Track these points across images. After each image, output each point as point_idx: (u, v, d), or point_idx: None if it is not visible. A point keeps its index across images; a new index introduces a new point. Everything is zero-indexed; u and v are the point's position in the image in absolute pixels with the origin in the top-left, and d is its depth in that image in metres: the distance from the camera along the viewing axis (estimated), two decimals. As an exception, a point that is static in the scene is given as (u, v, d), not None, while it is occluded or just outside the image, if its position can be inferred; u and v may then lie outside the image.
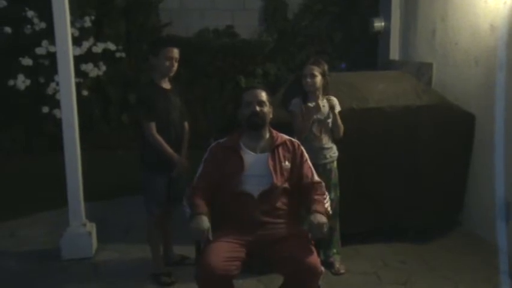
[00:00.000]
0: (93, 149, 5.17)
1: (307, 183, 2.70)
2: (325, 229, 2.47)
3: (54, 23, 3.53)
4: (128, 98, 6.33)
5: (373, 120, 3.78)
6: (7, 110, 6.16)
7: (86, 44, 6.06)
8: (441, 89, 4.48)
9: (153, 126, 3.22)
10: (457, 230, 4.17)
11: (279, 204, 2.65)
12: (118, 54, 6.34)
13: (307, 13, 7.03)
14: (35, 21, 5.92)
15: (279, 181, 2.65)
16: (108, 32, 6.32)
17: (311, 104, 3.28)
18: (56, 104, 5.67)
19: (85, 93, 6.08)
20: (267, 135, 2.79)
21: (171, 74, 3.34)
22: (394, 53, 5.71)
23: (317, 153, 3.31)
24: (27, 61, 5.94)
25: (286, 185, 2.67)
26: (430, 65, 4.80)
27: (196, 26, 6.95)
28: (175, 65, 3.30)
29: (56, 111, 5.87)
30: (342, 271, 3.48)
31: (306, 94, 3.39)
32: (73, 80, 3.66)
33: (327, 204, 2.62)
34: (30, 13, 5.90)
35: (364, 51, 6.49)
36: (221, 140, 2.81)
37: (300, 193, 2.70)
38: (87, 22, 6.08)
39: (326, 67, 3.41)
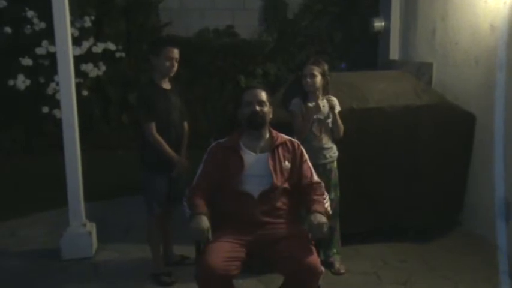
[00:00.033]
0: (93, 149, 5.17)
1: (307, 183, 2.70)
2: (325, 229, 2.47)
3: (54, 23, 3.52)
4: (128, 98, 6.33)
5: (373, 120, 3.78)
6: (7, 110, 6.17)
7: (85, 44, 6.06)
8: (441, 88, 4.48)
9: (153, 126, 3.22)
10: (457, 230, 4.17)
11: (279, 204, 2.65)
12: (118, 54, 6.34)
13: (307, 13, 7.03)
14: (35, 21, 5.92)
15: (279, 181, 2.65)
16: (108, 32, 6.32)
17: (311, 104, 3.28)
18: (56, 104, 5.67)
19: (85, 93, 6.08)
20: (267, 135, 2.79)
21: (172, 74, 3.34)
22: (394, 53, 5.71)
23: (317, 153, 3.31)
24: (27, 61, 5.95)
25: (286, 185, 2.67)
26: (430, 65, 4.80)
27: (196, 25, 6.95)
28: (176, 65, 3.30)
29: (56, 111, 5.87)
30: (342, 271, 3.48)
31: (306, 94, 3.39)
32: (73, 80, 3.66)
33: (327, 205, 2.62)
34: (30, 13, 5.90)
35: (364, 51, 6.48)
36: (221, 140, 2.81)
37: (300, 193, 2.70)
38: (87, 22, 6.08)
39: (326, 67, 3.41)
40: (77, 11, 5.75)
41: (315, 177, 2.76)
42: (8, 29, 5.93)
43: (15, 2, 5.92)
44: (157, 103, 3.24)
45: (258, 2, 7.16)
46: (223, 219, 2.63)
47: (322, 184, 2.75)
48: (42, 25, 5.90)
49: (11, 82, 5.96)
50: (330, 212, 2.63)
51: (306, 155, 2.79)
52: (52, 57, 5.14)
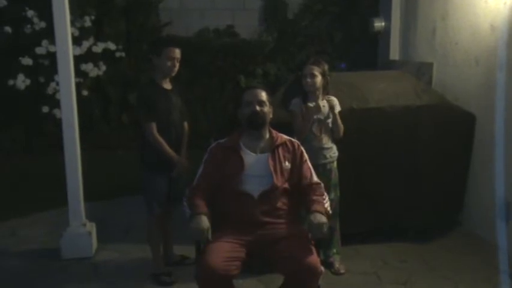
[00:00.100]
0: (93, 149, 5.17)
1: (306, 184, 2.70)
2: (325, 229, 2.47)
3: (54, 23, 3.52)
4: (128, 98, 6.33)
5: (373, 120, 3.78)
6: (7, 110, 6.16)
7: (86, 44, 6.06)
8: (441, 88, 4.48)
9: (153, 126, 3.22)
10: (457, 230, 4.17)
11: (279, 204, 2.65)
12: (118, 54, 6.34)
13: (307, 13, 7.02)
14: (35, 21, 5.91)
15: (279, 181, 2.65)
16: (108, 32, 6.32)
17: (311, 104, 3.28)
18: (56, 104, 5.67)
19: (85, 93, 6.08)
20: (267, 135, 2.79)
21: (173, 74, 3.34)
22: (394, 53, 5.71)
23: (317, 153, 3.31)
24: (27, 61, 5.94)
25: (286, 185, 2.67)
26: (430, 65, 4.80)
27: (196, 25, 6.95)
28: (177, 65, 3.30)
29: (56, 111, 5.87)
30: (342, 271, 3.48)
31: (306, 94, 3.39)
32: (73, 80, 3.66)
33: (327, 205, 2.62)
34: (30, 13, 5.89)
35: (364, 51, 6.48)
36: (221, 141, 2.81)
37: (299, 194, 2.70)
38: (87, 22, 6.08)
39: (326, 67, 3.41)
40: (77, 11, 5.75)
41: (315, 178, 2.76)
42: (8, 29, 5.93)
43: (15, 2, 5.92)
44: (157, 103, 3.24)
45: (258, 2, 7.15)
46: (223, 219, 2.63)
47: (322, 185, 2.75)
48: (42, 25, 5.90)
49: (11, 82, 5.96)
50: (330, 212, 2.63)
51: (306, 155, 2.79)
52: (52, 56, 5.14)
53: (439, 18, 4.69)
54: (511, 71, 3.67)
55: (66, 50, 3.58)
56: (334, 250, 3.55)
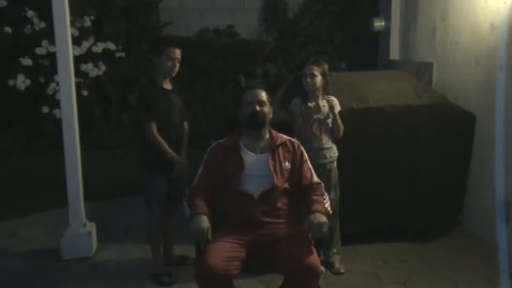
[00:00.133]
0: (93, 149, 5.17)
1: (307, 184, 2.70)
2: (325, 229, 2.47)
3: (54, 23, 3.52)
4: (128, 98, 6.33)
5: (373, 120, 3.78)
6: (7, 110, 6.16)
7: (85, 44, 6.06)
8: (441, 88, 4.48)
9: (153, 126, 3.22)
10: (457, 230, 4.17)
11: (279, 204, 2.65)
12: (118, 54, 6.34)
13: (307, 13, 7.02)
14: (35, 21, 5.92)
15: (279, 181, 2.65)
16: (108, 32, 6.32)
17: (311, 104, 3.28)
18: (56, 104, 5.67)
19: (85, 93, 6.08)
20: (267, 136, 2.79)
21: (173, 75, 3.34)
22: (394, 53, 5.71)
23: (317, 153, 3.31)
24: (27, 61, 5.94)
25: (286, 185, 2.67)
26: (430, 65, 4.80)
27: (196, 25, 6.95)
28: (177, 65, 3.30)
29: (56, 111, 5.87)
30: (342, 271, 3.48)
31: (306, 94, 3.39)
32: (73, 80, 3.66)
33: (327, 205, 2.62)
34: (30, 13, 5.89)
35: (364, 51, 6.48)
36: (221, 141, 2.81)
37: (299, 194, 2.70)
38: (87, 22, 6.08)
39: (326, 67, 3.41)
40: (77, 11, 5.75)
41: (315, 178, 2.76)
42: (8, 29, 5.93)
43: (15, 2, 5.92)
44: (158, 103, 3.24)
45: (258, 2, 7.15)
46: (223, 219, 2.63)
47: (322, 185, 2.75)
48: (42, 25, 5.90)
49: (11, 82, 5.96)
50: (330, 212, 2.63)
51: (306, 155, 2.79)
52: (52, 57, 5.13)
53: (439, 18, 4.69)
54: (511, 70, 3.66)
55: (66, 50, 3.58)
56: (334, 250, 3.55)
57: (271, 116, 2.79)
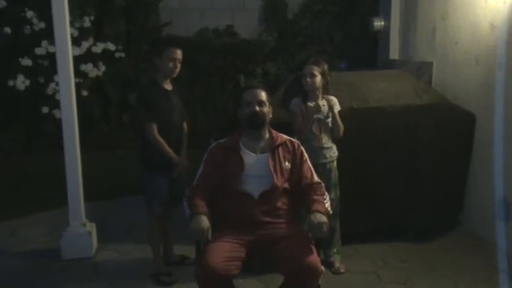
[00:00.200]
0: (93, 149, 5.17)
1: (307, 184, 2.70)
2: (325, 228, 2.47)
3: (54, 23, 3.52)
4: (128, 98, 6.33)
5: (373, 119, 3.78)
6: (7, 110, 6.17)
7: (85, 44, 6.06)
8: (441, 88, 4.48)
9: (154, 127, 3.22)
10: (457, 230, 4.17)
11: (279, 204, 2.65)
12: (118, 54, 6.34)
13: (307, 13, 7.02)
14: (35, 22, 5.92)
15: (279, 181, 2.64)
16: (108, 32, 6.32)
17: (311, 104, 3.28)
18: (56, 104, 5.67)
19: (85, 93, 6.08)
20: (267, 135, 2.79)
21: (175, 75, 3.34)
22: (394, 53, 5.71)
23: (317, 152, 3.31)
24: (26, 61, 5.94)
25: (286, 185, 2.67)
26: (430, 64, 4.80)
27: (196, 25, 6.95)
28: (179, 66, 3.30)
29: (56, 111, 5.87)
30: (342, 270, 3.48)
31: (306, 94, 3.39)
32: (73, 80, 3.66)
33: (327, 204, 2.62)
34: (29, 13, 5.89)
35: (364, 51, 6.48)
36: (221, 141, 2.81)
37: (300, 194, 2.70)
38: (87, 22, 6.08)
39: (326, 67, 3.41)
40: (76, 11, 5.75)
41: (315, 178, 2.75)
42: (7, 29, 5.93)
43: (14, 2, 5.92)
44: (159, 104, 3.24)
45: (258, 2, 7.15)
46: (223, 219, 2.63)
47: (323, 184, 2.75)
48: (42, 25, 5.90)
49: (10, 82, 5.96)
50: (330, 212, 2.63)
51: (306, 155, 2.79)
52: (52, 57, 5.14)
53: (439, 17, 4.69)
54: (511, 70, 3.66)
55: (66, 50, 3.58)
56: (335, 250, 3.55)
57: (271, 116, 2.79)
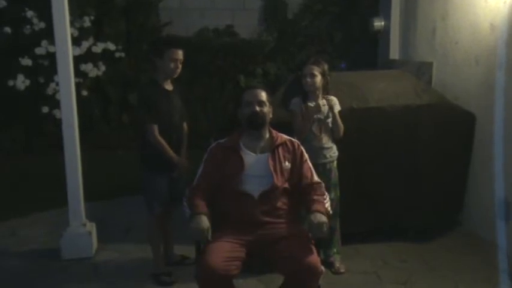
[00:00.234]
0: (93, 149, 5.17)
1: (307, 183, 2.70)
2: (325, 228, 2.47)
3: (54, 23, 3.52)
4: (128, 98, 6.33)
5: (373, 119, 3.78)
6: (7, 110, 6.17)
7: (85, 44, 6.06)
8: (441, 88, 4.48)
9: (155, 128, 3.21)
10: (457, 230, 4.17)
11: (279, 204, 2.65)
12: (118, 54, 6.34)
13: (307, 13, 7.03)
14: (35, 21, 5.92)
15: (279, 181, 2.64)
16: (108, 32, 6.32)
17: (311, 104, 3.28)
18: (56, 104, 5.67)
19: (85, 93, 6.08)
20: (267, 135, 2.79)
21: (176, 76, 3.33)
22: (394, 53, 5.71)
23: (317, 152, 3.30)
24: (26, 61, 5.95)
25: (286, 185, 2.67)
26: (430, 64, 4.80)
27: (196, 25, 6.95)
28: (180, 66, 3.29)
29: (56, 111, 5.87)
30: (342, 270, 3.48)
31: (306, 94, 3.39)
32: (73, 80, 3.66)
33: (327, 204, 2.62)
34: (29, 13, 5.90)
35: (364, 51, 6.48)
36: (221, 141, 2.81)
37: (300, 194, 2.70)
38: (87, 22, 6.08)
39: (326, 67, 3.41)
40: (76, 11, 5.75)
41: (315, 177, 2.75)
42: (7, 29, 5.93)
43: (15, 2, 5.92)
44: (160, 104, 3.23)
45: (258, 2, 7.16)
46: (224, 219, 2.63)
47: (323, 184, 2.75)
48: (42, 25, 5.90)
49: (10, 82, 5.96)
50: (330, 212, 2.63)
51: (306, 155, 2.79)
52: (52, 57, 5.14)
53: (439, 17, 4.69)
54: (511, 70, 3.66)
55: (66, 50, 3.58)
56: (335, 250, 3.55)
57: (271, 116, 2.79)
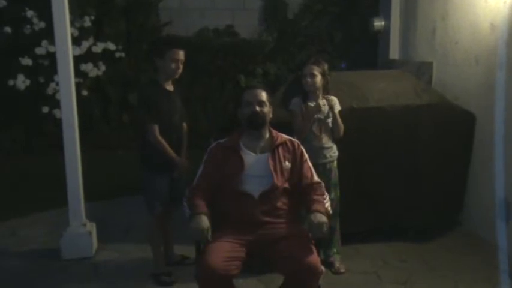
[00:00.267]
0: (93, 149, 5.17)
1: (307, 183, 2.70)
2: (325, 228, 2.47)
3: (54, 23, 3.52)
4: (128, 98, 6.33)
5: (373, 119, 3.78)
6: (7, 110, 6.17)
7: (85, 44, 6.06)
8: (441, 88, 4.48)
9: (156, 128, 3.21)
10: (457, 230, 4.17)
11: (279, 204, 2.65)
12: (118, 54, 6.34)
13: (307, 13, 7.03)
14: (35, 21, 5.92)
15: (279, 181, 2.64)
16: (108, 32, 6.32)
17: (312, 104, 3.28)
18: (56, 104, 5.67)
19: (85, 93, 6.08)
20: (267, 135, 2.79)
21: (177, 76, 3.33)
22: (394, 53, 5.71)
23: (317, 152, 3.30)
24: (26, 61, 5.95)
25: (286, 185, 2.67)
26: (430, 64, 4.80)
27: (196, 25, 6.95)
28: (181, 67, 3.29)
29: (56, 111, 5.87)
30: (342, 270, 3.48)
31: (306, 94, 3.39)
32: (73, 80, 3.66)
33: (327, 204, 2.62)
34: (29, 13, 5.90)
35: (364, 51, 6.48)
36: (221, 141, 2.81)
37: (300, 193, 2.70)
38: (87, 22, 6.08)
39: (326, 67, 3.41)
40: (76, 11, 5.75)
41: (315, 177, 2.75)
42: (7, 29, 5.93)
43: (15, 2, 5.92)
44: (161, 104, 3.23)
45: (258, 2, 7.16)
46: (224, 219, 2.63)
47: (323, 184, 2.75)
48: (42, 25, 5.90)
49: (11, 82, 5.97)
50: (330, 212, 2.63)
51: (306, 155, 2.79)
52: (52, 57, 5.14)
53: (439, 17, 4.69)
54: (511, 70, 3.66)
55: (66, 50, 3.58)
56: (334, 250, 3.55)
57: (271, 115, 2.79)
